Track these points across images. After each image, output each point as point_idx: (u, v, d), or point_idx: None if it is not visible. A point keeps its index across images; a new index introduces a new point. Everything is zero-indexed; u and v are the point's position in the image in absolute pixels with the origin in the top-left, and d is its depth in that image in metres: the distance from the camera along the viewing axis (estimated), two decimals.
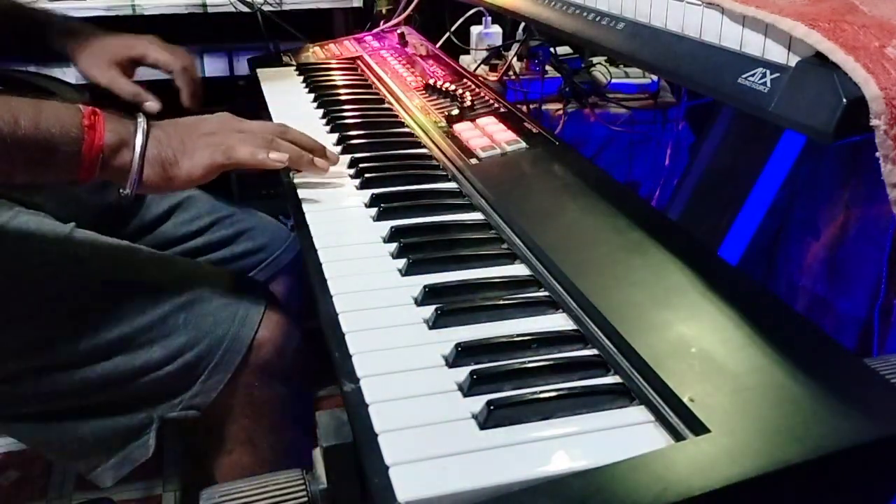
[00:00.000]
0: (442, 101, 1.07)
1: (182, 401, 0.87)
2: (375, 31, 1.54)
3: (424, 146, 0.96)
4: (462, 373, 0.54)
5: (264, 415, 0.89)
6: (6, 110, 0.69)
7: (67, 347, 0.83)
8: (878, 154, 0.51)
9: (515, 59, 1.55)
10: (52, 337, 0.83)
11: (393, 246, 0.73)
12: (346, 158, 0.92)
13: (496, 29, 1.60)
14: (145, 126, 0.77)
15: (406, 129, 1.02)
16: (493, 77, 1.54)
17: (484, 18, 1.59)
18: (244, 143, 0.81)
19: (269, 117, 1.08)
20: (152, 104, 1.08)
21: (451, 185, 0.87)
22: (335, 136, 1.01)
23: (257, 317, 0.88)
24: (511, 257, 0.72)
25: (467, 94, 1.06)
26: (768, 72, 0.57)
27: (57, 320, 0.83)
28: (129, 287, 0.86)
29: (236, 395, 0.87)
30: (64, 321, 0.83)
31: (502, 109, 1.02)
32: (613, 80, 1.55)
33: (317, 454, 0.52)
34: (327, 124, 1.05)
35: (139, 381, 0.85)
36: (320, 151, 0.88)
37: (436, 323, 0.61)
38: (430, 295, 0.64)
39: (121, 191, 0.77)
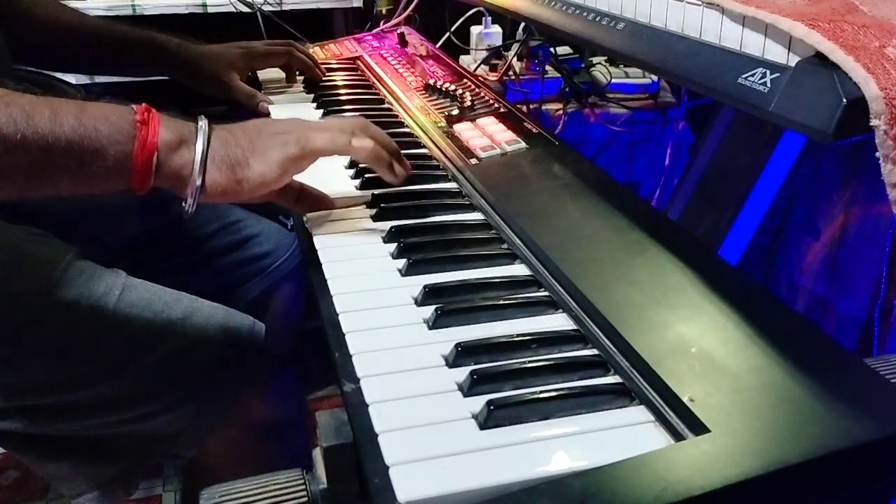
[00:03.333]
0: (442, 101, 1.07)
1: (169, 448, 0.86)
2: (375, 31, 1.54)
3: (424, 146, 0.96)
4: (462, 373, 0.54)
5: (254, 465, 0.86)
6: (47, 107, 0.62)
7: (50, 396, 0.81)
8: (878, 154, 0.51)
9: (515, 59, 1.55)
10: (37, 383, 0.81)
11: (393, 246, 0.73)
12: (346, 159, 0.92)
13: (496, 29, 1.60)
14: (206, 126, 0.68)
15: (406, 129, 1.02)
16: (493, 77, 1.54)
17: (484, 18, 1.59)
18: (321, 131, 0.73)
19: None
20: (265, 105, 1.11)
21: (451, 185, 0.87)
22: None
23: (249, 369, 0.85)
24: (511, 257, 0.72)
25: (467, 94, 1.06)
26: (768, 72, 0.57)
27: (43, 366, 0.80)
28: (119, 335, 0.83)
29: (224, 446, 0.86)
30: (51, 367, 0.81)
31: (502, 109, 1.02)
32: (613, 80, 1.55)
33: (317, 454, 0.52)
34: None
35: (125, 428, 0.84)
36: (397, 154, 0.80)
37: (436, 323, 0.61)
38: (430, 295, 0.64)
39: (182, 204, 0.68)
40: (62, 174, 0.64)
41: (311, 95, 1.17)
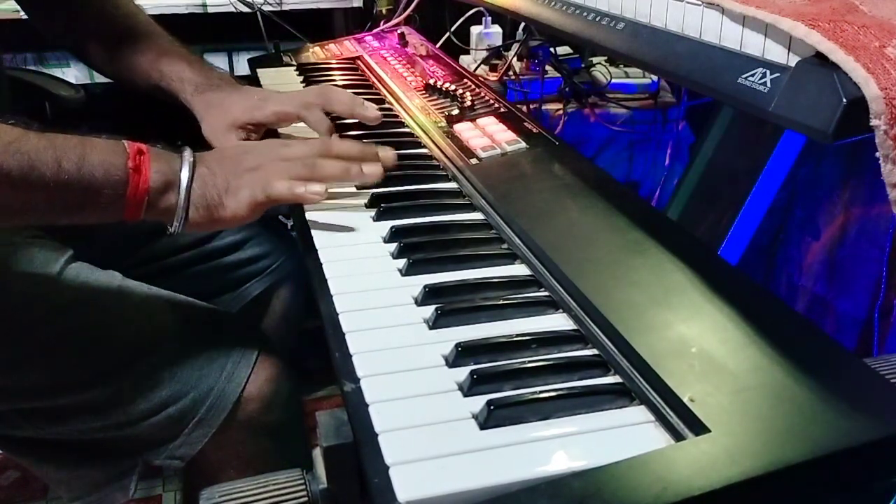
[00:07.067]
0: (442, 101, 1.07)
1: (165, 451, 0.85)
2: (375, 31, 1.54)
3: (424, 146, 0.96)
4: (462, 373, 0.54)
5: (251, 468, 0.86)
6: (50, 153, 0.67)
7: (46, 398, 0.81)
8: (878, 154, 0.51)
9: (515, 59, 1.55)
10: (34, 385, 0.81)
11: (393, 246, 0.73)
12: None
13: (496, 29, 1.60)
14: (191, 161, 0.74)
15: (406, 129, 1.02)
16: (493, 77, 1.54)
17: (484, 18, 1.59)
18: (283, 175, 0.77)
19: None
20: None
21: (452, 185, 0.87)
22: (334, 136, 1.00)
23: (245, 371, 0.85)
24: (511, 257, 0.72)
25: (467, 94, 1.06)
26: (768, 72, 0.57)
27: (39, 368, 0.81)
28: (115, 338, 0.83)
29: (222, 449, 0.85)
30: (47, 370, 0.81)
31: (502, 109, 1.02)
32: (613, 80, 1.55)
33: (317, 454, 0.52)
34: None
35: (122, 431, 0.84)
36: (372, 155, 0.83)
37: (436, 323, 0.61)
38: (430, 295, 0.64)
39: (168, 229, 0.74)
40: (61, 212, 0.70)
41: None
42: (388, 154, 0.85)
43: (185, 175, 0.73)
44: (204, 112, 0.98)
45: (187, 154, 0.75)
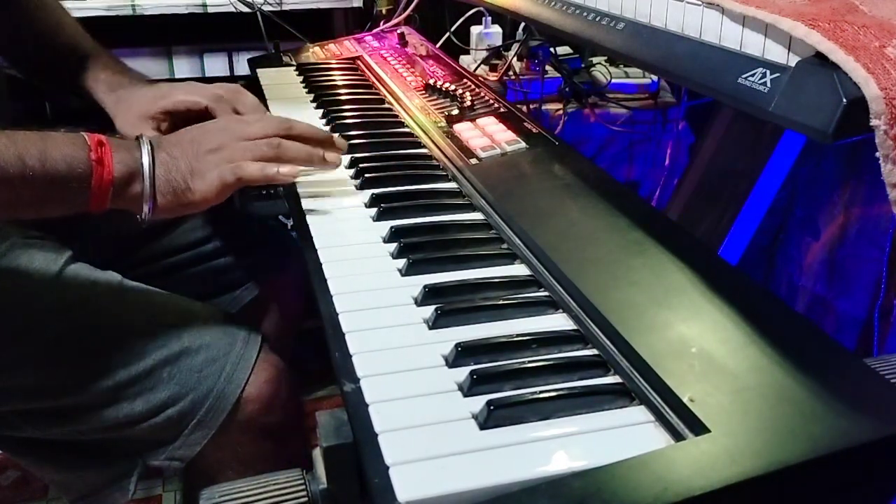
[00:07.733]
0: (442, 101, 1.07)
1: (164, 452, 0.85)
2: (375, 31, 1.54)
3: (424, 146, 0.96)
4: (462, 373, 0.54)
5: (251, 468, 0.86)
6: (12, 151, 0.68)
7: (46, 399, 0.81)
8: (878, 154, 0.51)
9: (515, 59, 1.55)
10: (33, 386, 0.81)
11: (393, 246, 0.73)
12: (346, 158, 0.92)
13: (496, 29, 1.60)
14: (150, 148, 0.75)
15: (406, 129, 1.02)
16: (493, 77, 1.54)
17: (484, 18, 1.59)
18: (249, 156, 0.78)
19: None
20: None
21: (451, 185, 0.87)
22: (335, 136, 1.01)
23: (245, 373, 0.84)
24: (511, 257, 0.72)
25: (467, 94, 1.06)
26: (768, 72, 0.57)
27: (39, 369, 0.81)
28: (115, 339, 0.83)
29: (221, 450, 0.85)
30: (47, 370, 0.81)
31: (502, 109, 1.02)
32: (613, 80, 1.55)
33: (317, 454, 0.52)
34: (327, 124, 1.05)
35: (121, 432, 0.84)
36: (329, 142, 0.86)
37: (436, 323, 0.61)
38: (430, 295, 0.64)
39: (138, 217, 0.76)
40: (25, 206, 0.71)
41: (312, 95, 1.17)
42: (340, 140, 0.88)
43: (146, 161, 0.74)
44: (114, 108, 0.99)
45: (145, 140, 0.76)
